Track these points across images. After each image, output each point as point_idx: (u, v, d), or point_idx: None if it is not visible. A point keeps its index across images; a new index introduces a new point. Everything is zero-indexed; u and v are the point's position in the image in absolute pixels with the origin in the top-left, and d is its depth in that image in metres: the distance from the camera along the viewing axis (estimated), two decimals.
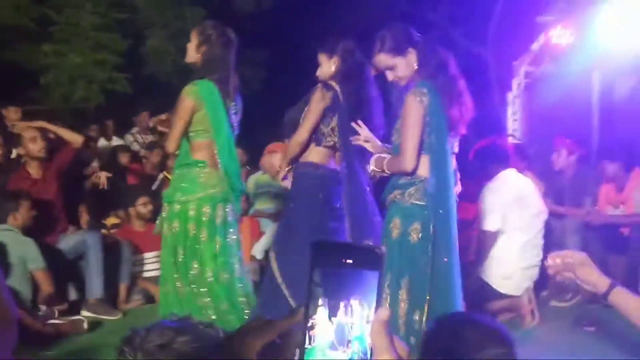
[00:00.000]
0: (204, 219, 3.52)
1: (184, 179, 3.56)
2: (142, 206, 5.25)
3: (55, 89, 9.24)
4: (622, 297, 1.73)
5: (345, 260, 0.72)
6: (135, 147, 7.38)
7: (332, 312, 0.72)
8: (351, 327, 0.71)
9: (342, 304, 0.72)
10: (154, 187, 6.47)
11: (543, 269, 4.42)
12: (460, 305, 2.97)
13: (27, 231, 4.31)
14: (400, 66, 2.99)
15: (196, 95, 3.44)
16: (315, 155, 3.48)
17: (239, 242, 3.71)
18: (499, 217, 4.21)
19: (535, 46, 6.52)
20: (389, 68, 3.02)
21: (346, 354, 0.72)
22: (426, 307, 2.84)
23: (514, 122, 6.62)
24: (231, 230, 3.63)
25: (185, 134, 3.54)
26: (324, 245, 0.75)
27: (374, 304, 0.71)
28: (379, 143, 3.15)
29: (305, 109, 3.45)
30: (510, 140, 6.41)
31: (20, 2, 9.11)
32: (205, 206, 3.52)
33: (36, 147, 4.72)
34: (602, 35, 5.61)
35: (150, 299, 5.01)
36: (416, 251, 2.86)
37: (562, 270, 1.79)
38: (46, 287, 4.20)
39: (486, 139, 4.68)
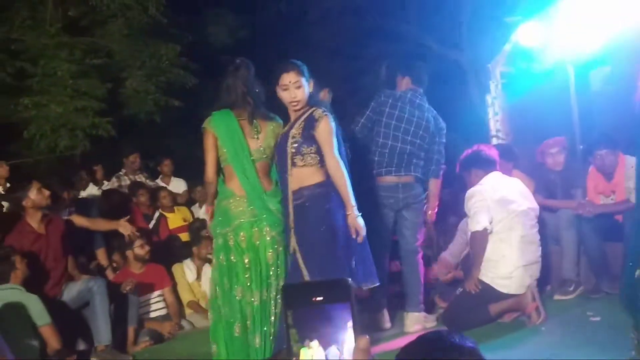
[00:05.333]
0: (242, 246, 3.59)
1: (219, 211, 3.68)
2: (139, 248, 5.27)
3: (40, 140, 9.21)
4: None
5: (316, 298, 0.71)
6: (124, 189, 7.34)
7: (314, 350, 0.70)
8: None
9: (321, 341, 0.70)
10: (150, 226, 6.48)
11: (544, 264, 4.48)
12: None
13: (31, 286, 4.28)
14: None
15: (209, 125, 3.67)
16: (324, 174, 3.60)
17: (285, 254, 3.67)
18: (485, 217, 4.26)
19: (507, 47, 6.62)
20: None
21: None
22: None
23: (496, 123, 6.70)
24: (275, 246, 3.63)
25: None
26: (294, 287, 0.74)
27: (352, 335, 0.70)
28: None
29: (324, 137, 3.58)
30: (494, 141, 6.47)
31: None
32: (240, 233, 3.59)
33: (41, 197, 4.65)
34: (570, 29, 5.72)
35: (158, 338, 5.02)
36: None
37: None
38: (53, 342, 4.17)
39: (470, 148, 4.73)
